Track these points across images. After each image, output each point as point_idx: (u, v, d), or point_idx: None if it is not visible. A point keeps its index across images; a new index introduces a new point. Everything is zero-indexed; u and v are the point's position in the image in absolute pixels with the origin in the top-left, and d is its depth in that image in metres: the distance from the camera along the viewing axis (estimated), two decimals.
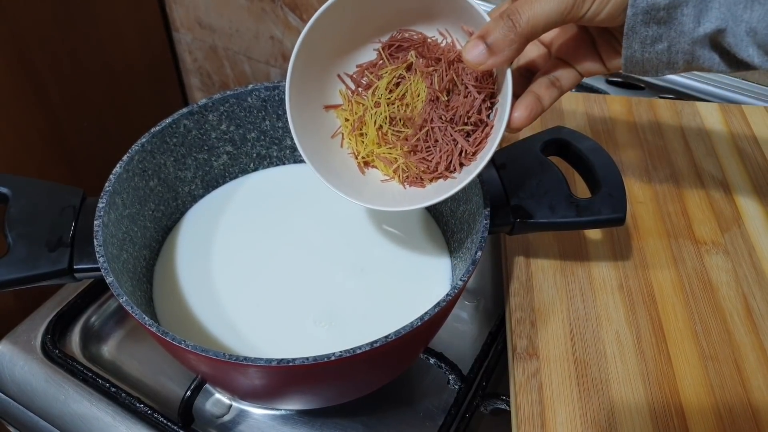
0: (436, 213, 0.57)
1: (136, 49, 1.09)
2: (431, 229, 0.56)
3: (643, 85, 0.75)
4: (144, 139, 0.50)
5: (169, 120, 0.52)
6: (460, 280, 0.42)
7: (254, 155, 0.59)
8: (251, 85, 0.55)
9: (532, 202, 0.48)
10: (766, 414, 0.44)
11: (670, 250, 0.55)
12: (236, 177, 0.60)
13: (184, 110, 0.52)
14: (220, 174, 0.58)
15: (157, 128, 0.51)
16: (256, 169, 0.60)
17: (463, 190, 0.42)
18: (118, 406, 0.52)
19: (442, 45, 0.45)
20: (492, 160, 0.51)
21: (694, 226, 0.56)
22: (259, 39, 1.05)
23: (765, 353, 0.47)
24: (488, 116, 0.43)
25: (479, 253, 0.43)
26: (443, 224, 0.56)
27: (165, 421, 0.50)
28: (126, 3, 1.03)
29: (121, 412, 0.51)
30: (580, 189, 0.55)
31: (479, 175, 0.46)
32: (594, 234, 0.56)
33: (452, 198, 0.46)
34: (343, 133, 0.48)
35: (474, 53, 0.38)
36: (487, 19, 0.38)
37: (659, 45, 0.36)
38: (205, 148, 0.56)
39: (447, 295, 0.40)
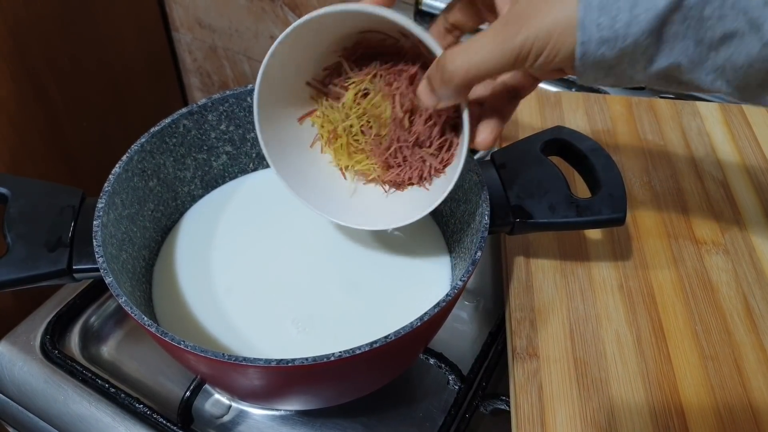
0: (435, 213, 0.56)
1: (136, 49, 1.09)
2: (430, 229, 0.56)
3: (643, 85, 0.75)
4: (143, 139, 0.50)
5: (168, 120, 0.52)
6: (460, 280, 0.42)
7: (254, 155, 0.59)
8: (251, 85, 0.54)
9: (532, 202, 0.48)
10: (766, 414, 0.44)
11: (670, 250, 0.55)
12: (236, 177, 0.60)
13: (184, 110, 0.52)
14: (220, 174, 0.58)
15: (157, 128, 0.51)
16: (255, 169, 0.60)
17: (463, 190, 0.42)
18: (117, 407, 0.52)
19: (406, 45, 0.43)
20: (492, 160, 0.51)
21: (694, 226, 0.56)
22: (259, 39, 1.05)
23: (765, 353, 0.47)
24: (456, 133, 0.44)
25: (479, 253, 0.43)
26: (443, 224, 0.56)
27: (164, 422, 0.50)
28: (126, 3, 1.03)
29: (121, 413, 0.51)
30: (580, 189, 0.55)
31: (479, 175, 0.46)
32: (594, 234, 0.56)
33: (452, 198, 0.46)
34: (321, 141, 0.49)
35: (424, 96, 0.39)
36: (440, 52, 0.37)
37: (612, 78, 0.36)
38: (205, 148, 0.56)
39: (447, 295, 0.40)
